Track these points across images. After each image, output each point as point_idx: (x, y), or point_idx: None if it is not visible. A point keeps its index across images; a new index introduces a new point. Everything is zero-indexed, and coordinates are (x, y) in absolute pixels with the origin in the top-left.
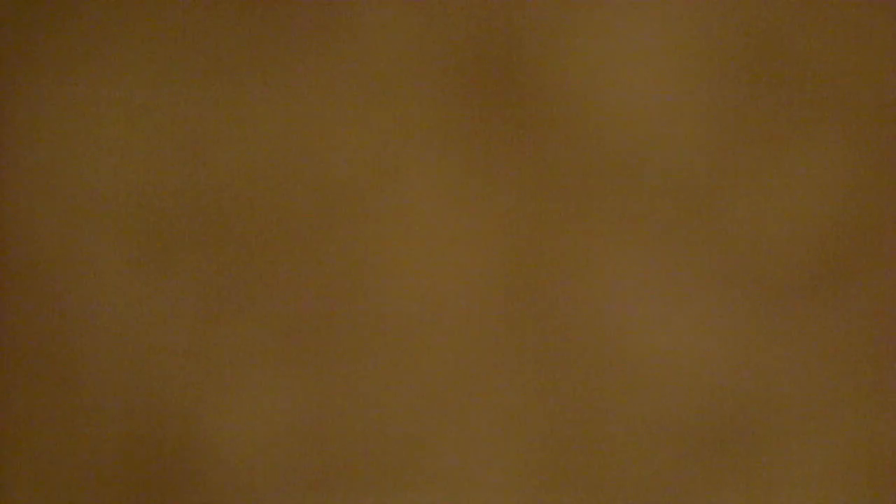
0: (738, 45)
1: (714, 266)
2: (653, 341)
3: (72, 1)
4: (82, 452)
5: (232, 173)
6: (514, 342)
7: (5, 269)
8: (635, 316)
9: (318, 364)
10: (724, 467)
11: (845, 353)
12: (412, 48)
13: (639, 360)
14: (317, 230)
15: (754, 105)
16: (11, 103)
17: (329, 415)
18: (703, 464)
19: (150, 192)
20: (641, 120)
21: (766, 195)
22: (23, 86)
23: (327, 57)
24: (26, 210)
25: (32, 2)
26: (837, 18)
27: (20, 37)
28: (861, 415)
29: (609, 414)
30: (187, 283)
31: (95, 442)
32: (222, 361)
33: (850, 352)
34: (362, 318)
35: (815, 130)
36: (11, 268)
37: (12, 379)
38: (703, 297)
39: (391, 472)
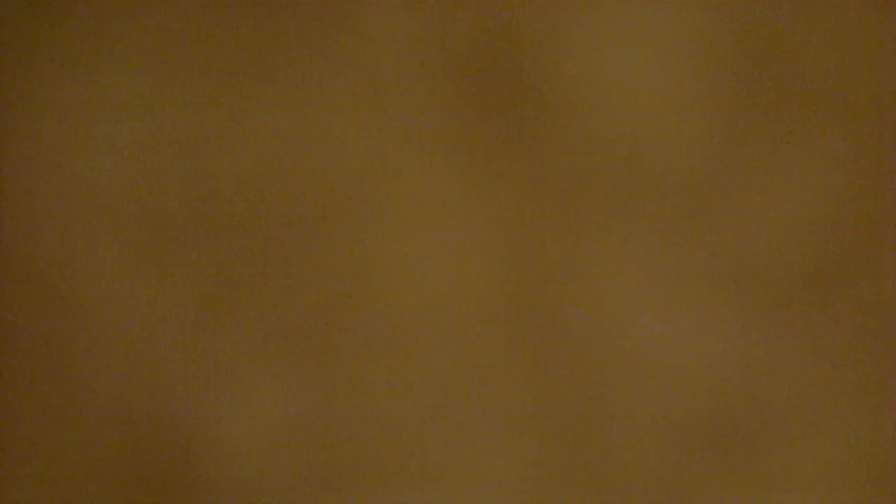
0: (738, 44)
1: (714, 266)
2: (653, 341)
3: (72, 1)
4: (82, 452)
5: (232, 173)
6: (515, 342)
7: (4, 268)
8: (635, 316)
9: (319, 364)
10: (725, 467)
11: (845, 353)
12: (412, 48)
13: (639, 360)
14: (317, 230)
15: (754, 105)
16: (11, 103)
17: (329, 415)
18: (704, 463)
19: (149, 191)
20: (641, 121)
21: (766, 195)
22: (23, 86)
23: (327, 57)
24: (25, 209)
25: (32, 2)
26: (837, 18)
27: (20, 37)
28: (861, 415)
29: (609, 414)
30: (187, 283)
31: (95, 442)
32: (222, 361)
33: (850, 352)
34: (362, 318)
35: (814, 130)
36: (10, 267)
37: (11, 379)
38: (703, 296)
39: (392, 471)
